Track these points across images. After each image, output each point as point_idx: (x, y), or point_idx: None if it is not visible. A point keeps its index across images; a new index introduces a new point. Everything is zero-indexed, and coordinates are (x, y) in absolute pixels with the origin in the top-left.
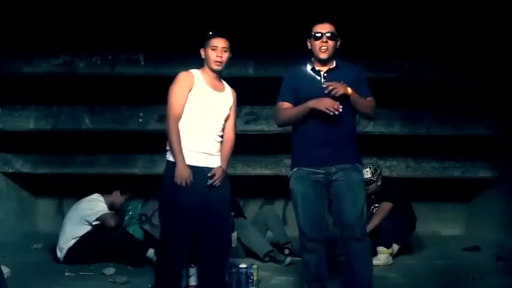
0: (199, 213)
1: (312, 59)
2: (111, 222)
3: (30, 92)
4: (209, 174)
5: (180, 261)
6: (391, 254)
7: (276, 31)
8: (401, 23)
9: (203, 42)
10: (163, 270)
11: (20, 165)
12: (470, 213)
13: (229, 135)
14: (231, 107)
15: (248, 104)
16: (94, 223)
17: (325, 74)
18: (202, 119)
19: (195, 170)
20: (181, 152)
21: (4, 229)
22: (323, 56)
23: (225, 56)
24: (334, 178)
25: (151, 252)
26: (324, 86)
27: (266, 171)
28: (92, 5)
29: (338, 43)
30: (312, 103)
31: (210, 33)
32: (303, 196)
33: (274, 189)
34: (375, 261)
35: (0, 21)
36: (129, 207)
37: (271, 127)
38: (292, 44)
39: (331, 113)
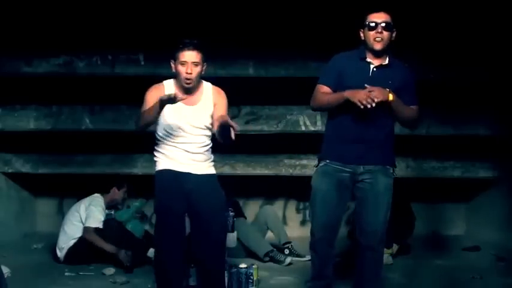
0: (186, 215)
1: (364, 50)
2: (88, 237)
3: (29, 92)
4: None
5: (173, 262)
6: (391, 254)
7: (276, 31)
8: (401, 23)
9: (173, 54)
10: (160, 271)
11: (20, 165)
12: (470, 213)
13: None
14: (209, 114)
15: (248, 104)
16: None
17: (374, 69)
18: (172, 133)
19: (179, 175)
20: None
21: (4, 229)
22: (377, 46)
23: (196, 70)
24: (360, 179)
25: (151, 251)
26: (366, 86)
27: (266, 171)
28: (91, 5)
29: (394, 34)
30: (348, 93)
31: (180, 45)
32: (323, 196)
33: (274, 189)
34: None
35: (0, 21)
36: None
37: (271, 127)
38: (292, 44)
39: (362, 106)
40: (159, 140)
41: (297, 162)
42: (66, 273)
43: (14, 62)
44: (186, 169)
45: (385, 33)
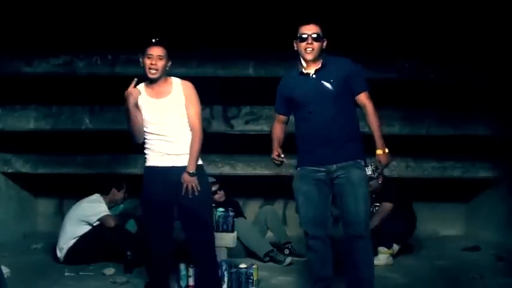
0: (174, 209)
1: (300, 62)
2: (111, 223)
3: (29, 92)
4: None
5: (163, 258)
6: (391, 254)
7: (276, 31)
8: (401, 23)
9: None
10: (151, 267)
11: (20, 165)
12: (470, 213)
13: (193, 125)
14: (185, 104)
15: (248, 104)
16: (95, 224)
17: (313, 76)
18: (152, 127)
19: (163, 170)
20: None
21: (4, 229)
22: (308, 57)
23: (161, 63)
24: (335, 176)
25: None
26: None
27: (266, 171)
28: (91, 5)
29: (324, 44)
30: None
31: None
32: (305, 195)
33: (274, 189)
34: (376, 262)
35: (0, 21)
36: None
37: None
38: (292, 43)
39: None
40: (145, 137)
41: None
42: (66, 273)
43: (14, 62)
44: (170, 163)
45: (316, 44)
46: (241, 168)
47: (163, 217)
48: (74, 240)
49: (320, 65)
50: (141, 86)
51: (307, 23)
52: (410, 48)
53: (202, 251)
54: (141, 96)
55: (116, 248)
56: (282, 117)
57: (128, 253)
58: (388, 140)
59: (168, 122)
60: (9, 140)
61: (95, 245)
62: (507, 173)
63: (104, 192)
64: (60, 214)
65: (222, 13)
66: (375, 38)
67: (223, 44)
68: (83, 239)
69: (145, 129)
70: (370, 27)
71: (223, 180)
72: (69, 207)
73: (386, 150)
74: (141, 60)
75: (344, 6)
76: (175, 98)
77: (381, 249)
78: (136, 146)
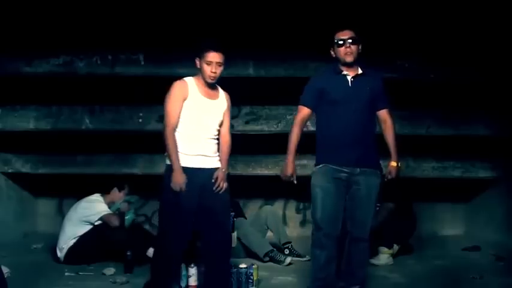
0: (197, 213)
1: (338, 65)
2: (115, 222)
3: (30, 92)
4: (213, 180)
5: (176, 260)
6: (392, 254)
7: (275, 31)
8: (401, 23)
9: (198, 52)
10: (160, 268)
11: (20, 165)
12: (470, 213)
13: (225, 137)
14: (224, 112)
15: (248, 104)
16: (96, 223)
17: (352, 80)
18: (196, 125)
19: (192, 171)
20: (178, 161)
21: (4, 229)
22: (349, 59)
23: (219, 70)
24: (356, 179)
25: (151, 251)
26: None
27: (266, 171)
28: (91, 5)
29: (360, 47)
30: (286, 167)
31: (204, 44)
32: (325, 191)
33: (274, 189)
34: (376, 262)
35: (0, 21)
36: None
37: (271, 127)
38: (292, 44)
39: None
40: (177, 134)
41: (297, 162)
42: (66, 273)
43: (14, 62)
44: (198, 164)
45: (353, 47)
46: (241, 168)
47: (188, 219)
48: (74, 240)
49: (360, 72)
50: (191, 80)
51: (342, 29)
52: (410, 48)
53: (221, 253)
54: (192, 93)
55: (116, 248)
56: (308, 113)
57: (128, 253)
58: None
59: (213, 123)
60: (9, 140)
61: (95, 245)
62: (507, 173)
63: (104, 192)
64: (60, 214)
65: (222, 13)
66: (374, 38)
67: (223, 44)
68: (83, 238)
69: (184, 126)
70: (370, 27)
71: None
72: (69, 207)
73: (399, 165)
74: (197, 61)
75: (344, 6)
76: (222, 103)
77: (381, 249)
78: (136, 146)
